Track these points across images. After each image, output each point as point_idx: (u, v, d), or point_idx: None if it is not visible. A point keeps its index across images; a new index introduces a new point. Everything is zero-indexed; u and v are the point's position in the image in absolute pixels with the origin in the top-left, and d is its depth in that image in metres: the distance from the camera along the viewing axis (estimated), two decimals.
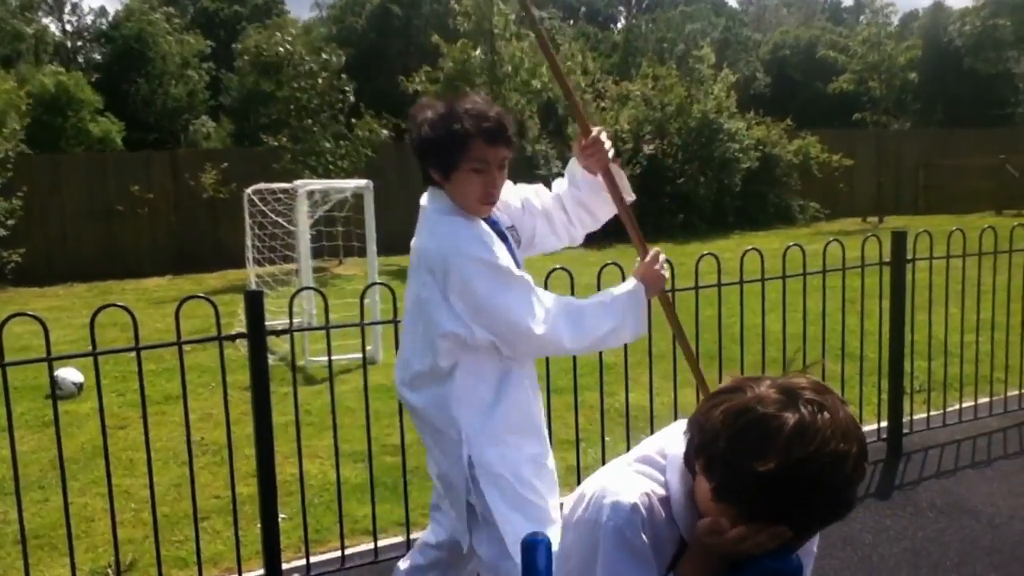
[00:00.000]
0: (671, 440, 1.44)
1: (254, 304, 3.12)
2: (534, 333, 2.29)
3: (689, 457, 1.37)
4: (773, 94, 33.54)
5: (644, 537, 1.35)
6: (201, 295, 3.26)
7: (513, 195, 2.59)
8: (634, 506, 1.35)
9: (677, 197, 16.94)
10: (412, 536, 3.66)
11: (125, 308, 3.00)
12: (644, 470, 1.42)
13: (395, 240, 15.61)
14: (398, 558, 3.59)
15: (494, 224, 2.44)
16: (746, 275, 4.08)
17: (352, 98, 15.00)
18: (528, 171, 16.54)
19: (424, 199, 2.46)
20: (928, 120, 28.67)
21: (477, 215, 2.37)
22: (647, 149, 16.97)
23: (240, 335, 3.18)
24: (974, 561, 3.50)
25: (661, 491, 1.39)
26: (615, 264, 3.83)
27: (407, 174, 16.70)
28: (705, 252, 4.01)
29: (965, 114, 27.50)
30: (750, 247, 4.10)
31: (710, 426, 1.29)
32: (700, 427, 1.32)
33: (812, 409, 1.24)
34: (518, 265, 2.42)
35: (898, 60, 19.25)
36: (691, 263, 4.07)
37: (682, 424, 1.41)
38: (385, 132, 15.20)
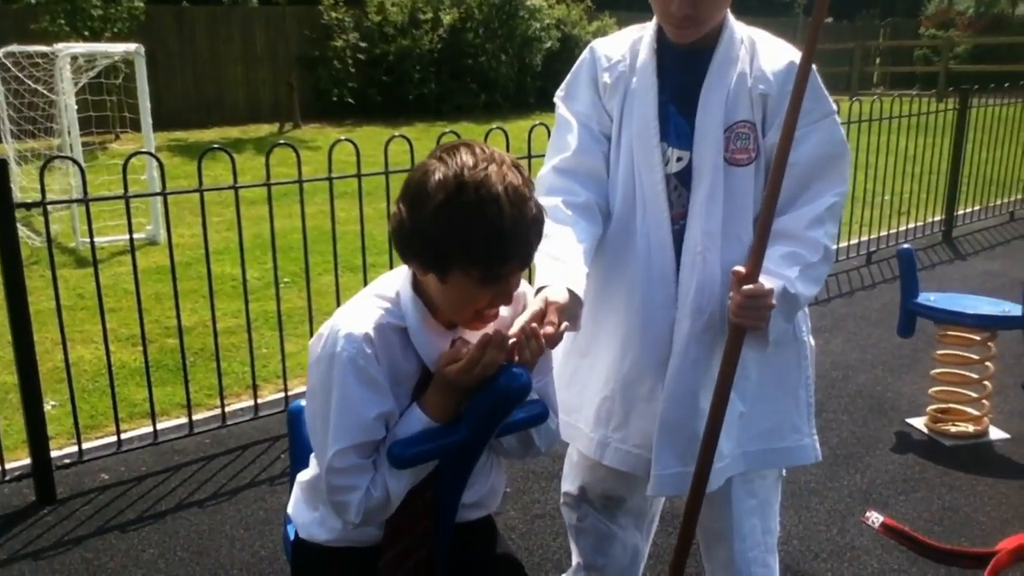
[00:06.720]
0: (404, 278, 1.49)
1: None
2: None
3: (413, 275, 1.45)
4: None
5: (378, 365, 1.41)
6: None
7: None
8: (366, 335, 1.40)
9: (479, 76, 16.79)
10: (195, 417, 3.57)
11: None
12: (380, 303, 1.47)
13: (179, 112, 14.63)
14: (179, 439, 3.51)
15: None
16: (533, 151, 4.11)
17: None
18: (325, 39, 15.81)
19: None
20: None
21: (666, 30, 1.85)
22: (446, 19, 16.53)
23: None
24: None
25: (398, 322, 1.45)
26: (403, 137, 3.77)
27: (188, 41, 15.45)
28: (495, 127, 4.01)
29: (753, 3, 28.73)
30: (538, 123, 4.13)
31: (398, 217, 1.39)
32: (394, 225, 1.41)
33: (459, 160, 1.34)
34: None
35: None
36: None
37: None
38: None
